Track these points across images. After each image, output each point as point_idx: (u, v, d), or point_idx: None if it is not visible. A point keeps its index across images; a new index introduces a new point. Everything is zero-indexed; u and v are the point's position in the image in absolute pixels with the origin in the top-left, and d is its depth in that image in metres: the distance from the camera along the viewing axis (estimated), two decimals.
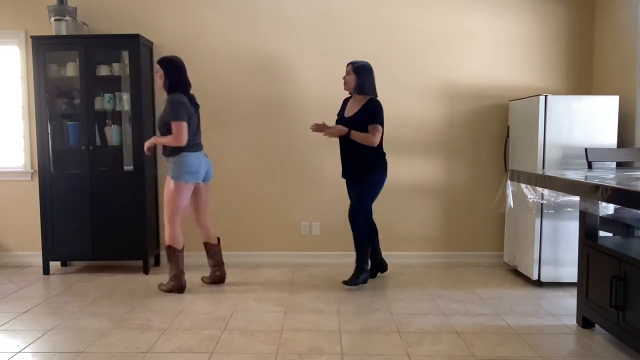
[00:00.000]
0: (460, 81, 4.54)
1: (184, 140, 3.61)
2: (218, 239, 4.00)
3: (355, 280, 3.82)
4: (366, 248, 3.86)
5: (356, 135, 3.73)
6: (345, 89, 3.87)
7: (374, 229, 4.09)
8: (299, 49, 4.53)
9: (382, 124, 3.77)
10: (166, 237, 3.76)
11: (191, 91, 3.81)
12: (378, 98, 3.83)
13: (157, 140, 3.77)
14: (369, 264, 3.94)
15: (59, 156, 4.40)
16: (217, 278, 3.98)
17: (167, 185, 3.73)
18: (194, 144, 3.75)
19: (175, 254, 3.75)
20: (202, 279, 4.05)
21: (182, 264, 3.79)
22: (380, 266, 4.16)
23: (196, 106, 3.81)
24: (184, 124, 3.61)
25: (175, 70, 3.71)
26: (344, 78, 3.84)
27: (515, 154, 4.31)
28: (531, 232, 3.97)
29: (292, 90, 4.55)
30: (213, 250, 3.97)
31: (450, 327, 3.14)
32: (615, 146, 3.90)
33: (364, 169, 3.83)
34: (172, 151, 3.68)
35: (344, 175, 4.00)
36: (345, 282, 3.86)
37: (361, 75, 3.77)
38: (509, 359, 2.70)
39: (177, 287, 3.77)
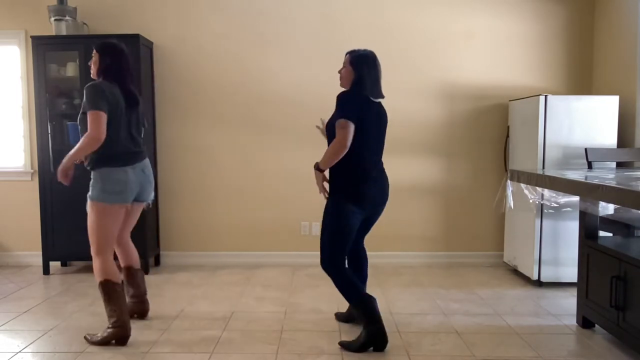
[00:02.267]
0: (460, 81, 4.54)
1: (101, 132, 2.75)
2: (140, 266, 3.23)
3: (353, 344, 2.77)
4: (358, 295, 2.79)
5: (323, 162, 2.77)
6: (340, 85, 2.93)
7: (361, 258, 3.11)
8: (299, 49, 4.53)
9: (352, 119, 2.68)
10: (96, 271, 2.87)
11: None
12: (383, 99, 2.92)
13: (74, 156, 2.83)
14: (377, 313, 2.77)
15: (59, 156, 4.37)
16: (137, 310, 3.18)
17: (88, 209, 2.91)
18: (125, 154, 2.90)
19: (115, 290, 2.84)
20: None
21: (125, 304, 2.90)
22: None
23: (133, 102, 2.96)
24: (102, 115, 2.75)
25: (111, 55, 2.92)
26: (339, 72, 2.93)
27: (515, 154, 4.31)
28: (531, 232, 3.97)
29: (292, 90, 4.54)
30: (137, 277, 3.17)
31: (450, 327, 3.14)
32: (615, 146, 3.90)
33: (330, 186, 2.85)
34: (93, 160, 2.87)
35: None
36: (341, 343, 2.84)
37: (360, 69, 2.82)
38: (509, 359, 2.70)
39: (120, 334, 2.82)
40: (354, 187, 2.79)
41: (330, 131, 2.83)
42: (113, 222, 2.89)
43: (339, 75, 2.94)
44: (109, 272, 2.86)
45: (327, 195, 2.85)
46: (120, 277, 2.94)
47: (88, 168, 2.92)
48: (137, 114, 3.00)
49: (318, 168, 2.80)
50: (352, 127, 2.68)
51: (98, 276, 2.87)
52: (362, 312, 2.77)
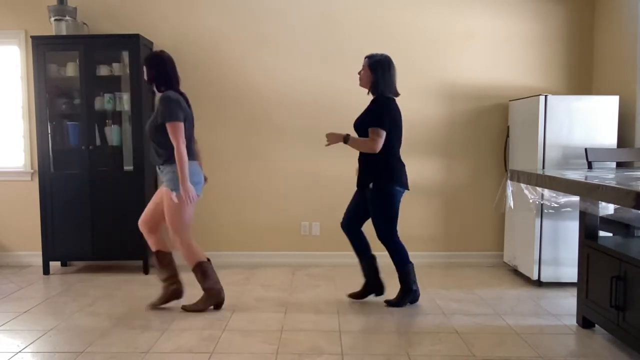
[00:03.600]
0: (460, 81, 4.54)
1: (183, 142, 3.15)
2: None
3: (401, 302, 3.45)
4: (406, 265, 3.43)
5: (353, 142, 3.34)
6: (360, 85, 3.45)
7: (365, 242, 3.56)
8: (299, 50, 4.53)
9: (384, 127, 3.29)
10: (187, 257, 3.33)
11: (187, 90, 3.65)
12: (398, 97, 3.46)
13: (184, 176, 3.14)
14: (416, 282, 3.49)
15: (59, 156, 4.40)
16: (172, 293, 3.44)
17: (168, 200, 3.24)
18: (192, 151, 3.31)
19: (207, 268, 3.34)
20: (150, 306, 3.46)
21: (216, 275, 3.40)
22: (375, 288, 3.57)
23: (189, 104, 3.38)
24: (181, 125, 3.18)
25: (159, 65, 3.28)
26: (359, 73, 3.43)
27: (515, 154, 4.31)
28: (531, 232, 3.97)
29: (292, 90, 4.54)
30: (167, 260, 3.44)
31: (450, 327, 3.14)
32: (615, 146, 3.90)
33: (370, 178, 3.38)
34: (170, 157, 3.20)
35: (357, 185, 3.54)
36: (389, 303, 3.47)
37: (377, 72, 3.33)
38: (509, 359, 2.70)
39: (216, 301, 3.39)
40: (394, 170, 3.39)
41: (361, 125, 3.40)
42: (191, 210, 3.30)
43: (359, 77, 3.43)
44: (199, 254, 3.34)
45: (327, 144, 3.43)
46: (204, 255, 3.38)
47: (160, 164, 3.28)
48: (192, 117, 3.38)
49: (345, 139, 3.35)
50: (384, 135, 3.30)
51: (191, 262, 3.33)
52: (406, 274, 3.42)
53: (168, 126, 3.17)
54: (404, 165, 3.45)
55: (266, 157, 4.60)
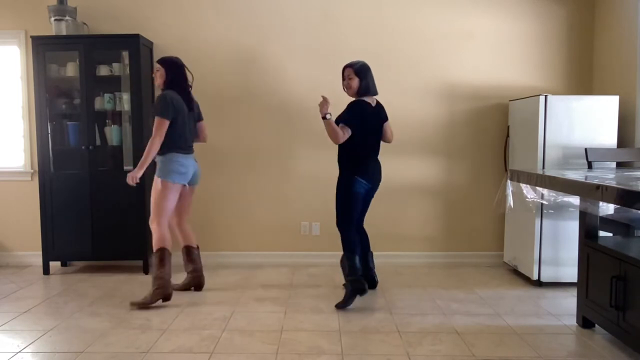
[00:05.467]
0: (460, 81, 4.54)
1: (160, 137, 3.45)
2: (197, 245, 3.87)
3: (345, 304, 3.46)
4: (353, 256, 3.53)
5: (327, 123, 3.45)
6: (348, 94, 3.60)
7: (364, 237, 3.81)
8: (299, 49, 4.53)
9: (350, 125, 3.45)
10: (155, 240, 3.53)
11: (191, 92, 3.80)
12: (377, 96, 3.64)
13: (144, 163, 3.47)
14: (360, 271, 3.53)
15: (59, 156, 4.40)
16: (195, 283, 3.81)
17: (155, 185, 3.58)
18: (185, 146, 3.62)
19: (167, 257, 3.52)
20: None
21: (170, 268, 3.54)
22: (369, 282, 3.70)
23: (191, 107, 3.67)
24: (165, 122, 3.46)
25: (174, 70, 3.61)
26: (346, 83, 3.56)
27: (515, 154, 4.31)
28: (531, 232, 3.97)
29: (292, 90, 4.55)
30: (194, 255, 3.82)
31: (450, 327, 3.14)
32: (615, 146, 3.90)
33: (339, 167, 3.63)
34: (164, 147, 3.54)
35: None
36: (337, 306, 3.48)
37: (366, 76, 3.55)
38: (509, 359, 2.70)
39: (165, 293, 3.49)
40: (359, 166, 3.57)
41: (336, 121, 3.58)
42: (172, 199, 3.57)
43: (347, 87, 3.58)
44: (165, 240, 3.54)
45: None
46: (171, 244, 3.60)
47: (158, 154, 3.58)
48: (193, 118, 3.71)
49: (324, 117, 3.46)
50: (348, 131, 3.47)
51: (156, 244, 3.52)
52: (349, 265, 3.51)
53: (155, 120, 3.49)
54: (370, 159, 3.70)
55: (266, 157, 4.60)
